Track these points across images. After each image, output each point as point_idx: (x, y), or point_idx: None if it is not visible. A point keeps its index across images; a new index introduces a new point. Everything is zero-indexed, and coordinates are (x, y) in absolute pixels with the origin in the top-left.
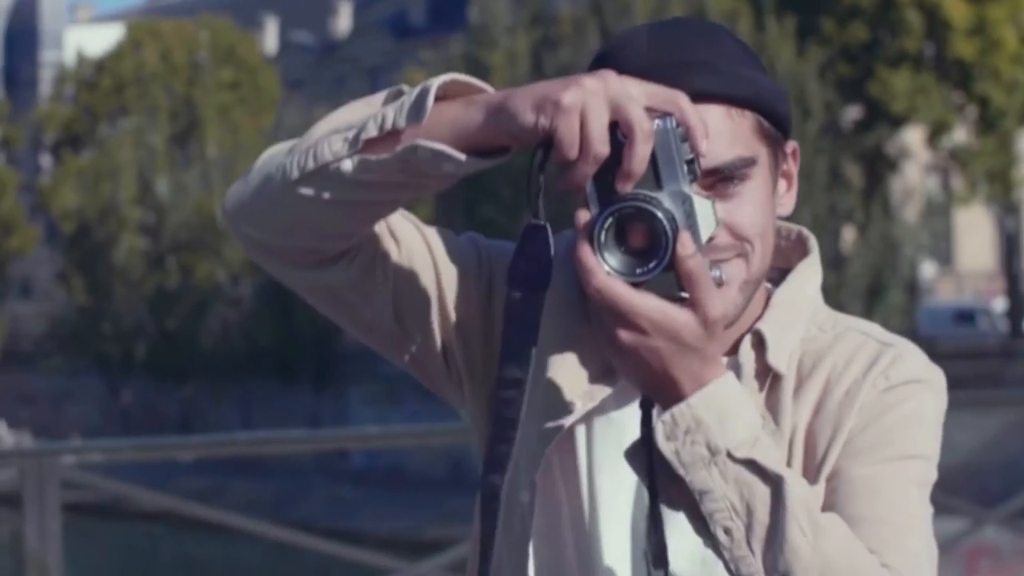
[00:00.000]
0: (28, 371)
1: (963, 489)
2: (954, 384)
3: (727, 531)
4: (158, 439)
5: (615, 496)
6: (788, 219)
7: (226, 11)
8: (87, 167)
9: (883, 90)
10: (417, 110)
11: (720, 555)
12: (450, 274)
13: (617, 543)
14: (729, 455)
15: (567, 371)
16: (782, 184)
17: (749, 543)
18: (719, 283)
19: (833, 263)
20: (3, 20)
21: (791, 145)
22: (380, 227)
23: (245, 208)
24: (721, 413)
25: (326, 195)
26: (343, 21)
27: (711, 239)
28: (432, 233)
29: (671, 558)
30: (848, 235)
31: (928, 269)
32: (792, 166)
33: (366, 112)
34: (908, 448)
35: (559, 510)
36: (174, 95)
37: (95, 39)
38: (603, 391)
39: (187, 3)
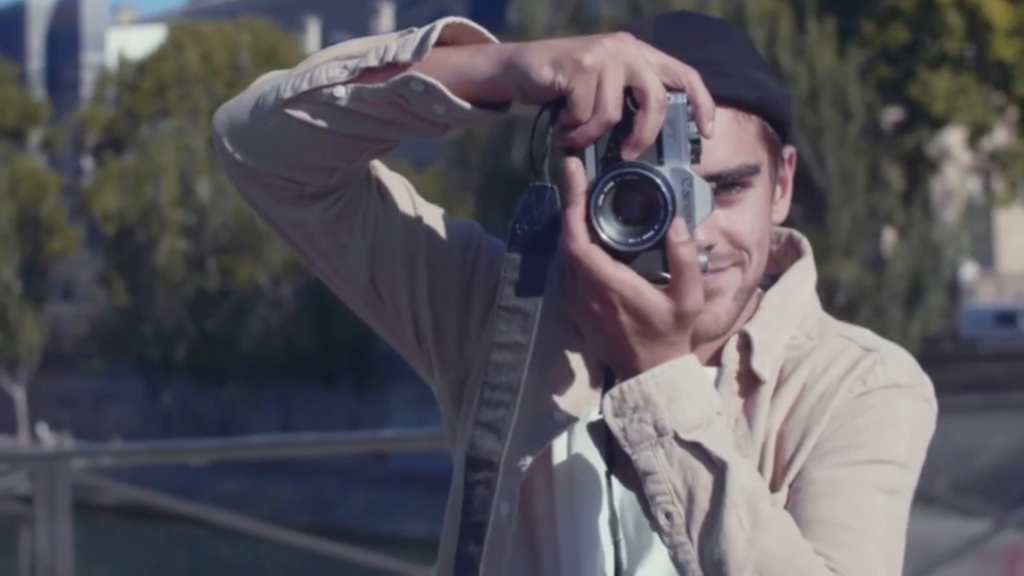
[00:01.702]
0: (69, 373)
1: (1002, 490)
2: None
3: (668, 515)
4: (170, 442)
5: (594, 506)
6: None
7: (268, 13)
8: (128, 169)
9: (923, 91)
10: (421, 46)
11: (661, 539)
12: (435, 250)
13: (597, 554)
14: (676, 437)
15: (554, 382)
16: (778, 190)
17: (688, 530)
18: (703, 269)
19: (873, 265)
20: (45, 22)
21: (789, 150)
22: (369, 181)
23: (234, 125)
24: (672, 393)
25: (314, 120)
26: (385, 22)
27: (710, 247)
28: (426, 206)
29: (644, 573)
30: (888, 237)
31: (969, 271)
32: (788, 171)
33: (372, 45)
34: (879, 453)
35: (537, 522)
36: (215, 97)
37: (137, 41)
38: (590, 403)
39: (229, 5)
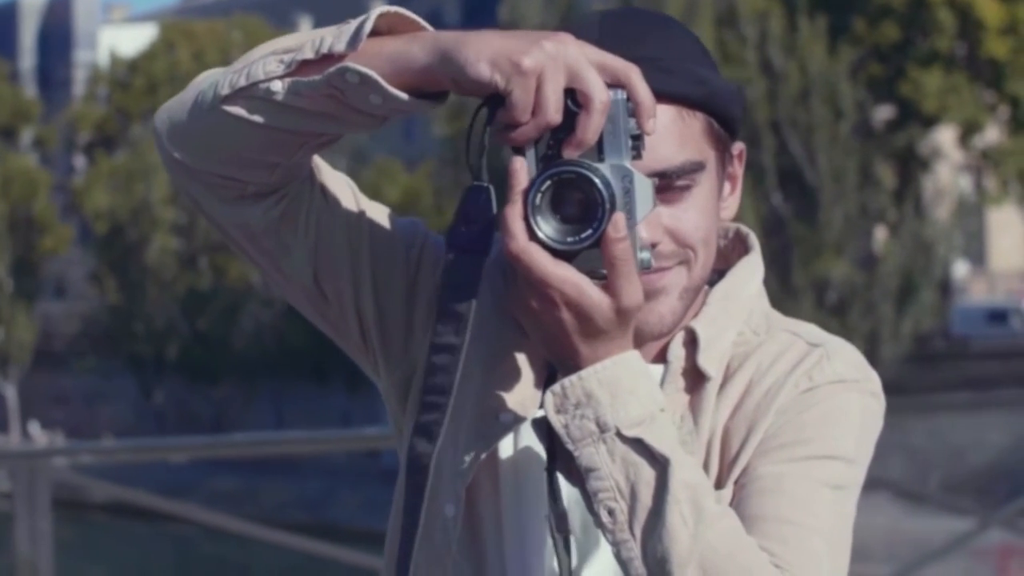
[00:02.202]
0: (61, 372)
1: (995, 488)
2: (986, 384)
3: (610, 512)
4: (150, 440)
5: (541, 505)
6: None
7: (259, 11)
8: (120, 167)
9: (915, 90)
10: (355, 36)
11: (605, 536)
12: (379, 248)
13: (544, 554)
14: (618, 433)
15: (501, 383)
16: (726, 187)
17: (631, 526)
18: (647, 266)
19: (865, 263)
20: (37, 20)
21: (738, 146)
22: (312, 180)
23: (174, 124)
24: (614, 389)
25: (251, 116)
26: None
27: (655, 245)
28: (370, 204)
29: (591, 572)
30: (880, 235)
31: (960, 269)
32: (737, 168)
33: (309, 38)
34: (825, 448)
35: (483, 523)
36: None
37: (128, 39)
38: (536, 403)
39: (220, 3)
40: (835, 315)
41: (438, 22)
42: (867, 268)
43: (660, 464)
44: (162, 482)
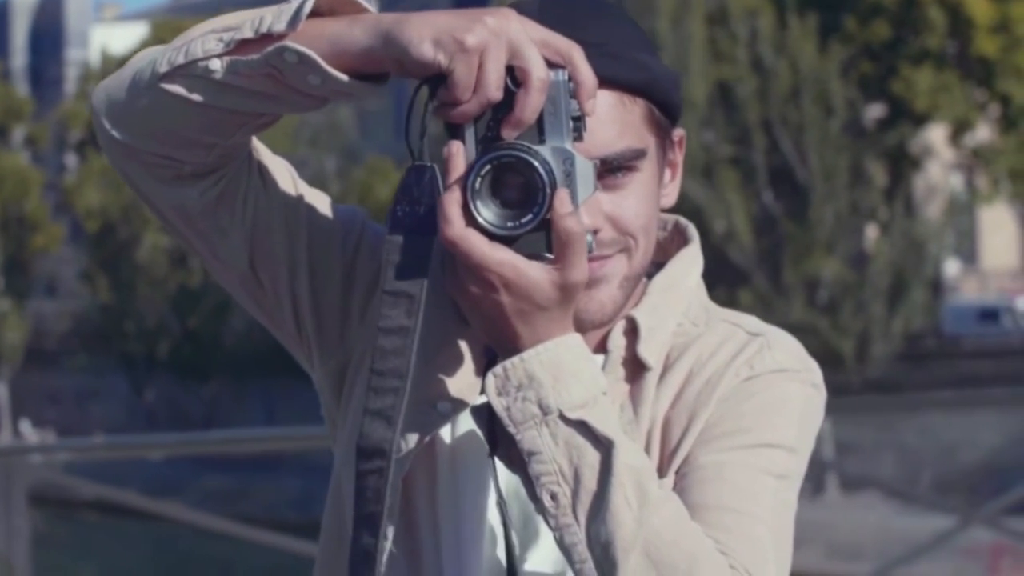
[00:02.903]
0: (53, 370)
1: (986, 487)
2: (978, 382)
3: (553, 496)
4: (128, 437)
5: (480, 495)
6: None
7: (250, 9)
8: (111, 166)
9: (906, 88)
10: (295, 16)
11: (547, 522)
12: (317, 234)
13: (482, 544)
14: (561, 416)
15: (438, 370)
16: (667, 174)
17: (575, 511)
18: (589, 250)
19: (856, 261)
20: (28, 18)
21: (678, 133)
22: (250, 163)
23: (111, 102)
24: (557, 371)
25: (189, 94)
26: None
27: (596, 232)
28: (308, 190)
29: (532, 561)
30: (871, 234)
31: (952, 267)
32: (678, 155)
33: (249, 17)
34: (765, 437)
35: (419, 513)
36: None
37: (120, 38)
38: (475, 391)
39: (211, 2)
40: (826, 314)
41: None
42: (858, 266)
43: (604, 447)
44: (152, 480)
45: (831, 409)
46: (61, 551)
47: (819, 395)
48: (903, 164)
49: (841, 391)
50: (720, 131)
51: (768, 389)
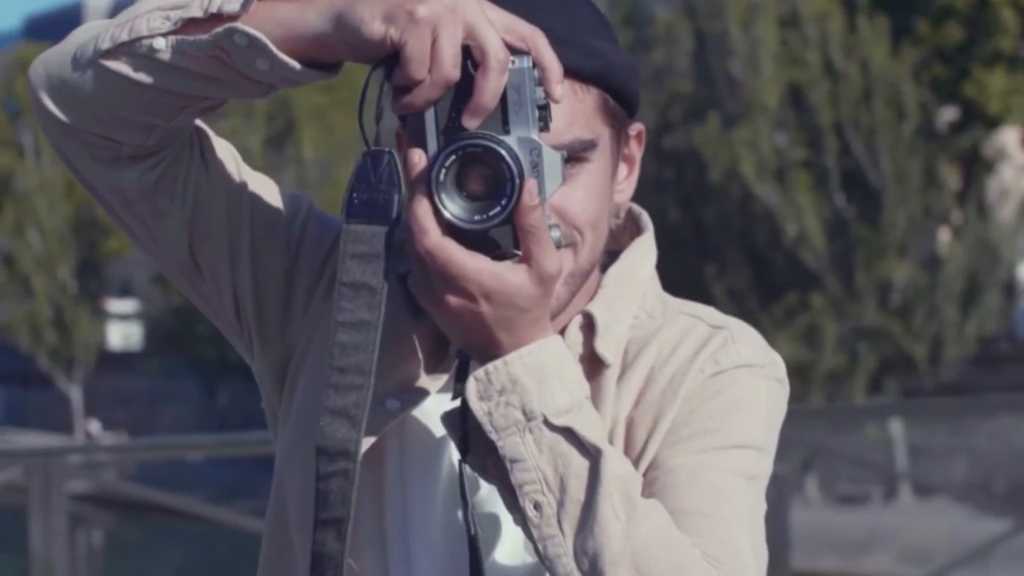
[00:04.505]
0: (124, 372)
1: None
2: None
3: (536, 506)
4: (166, 438)
5: (429, 501)
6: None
7: None
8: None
9: (978, 90)
10: None
11: (528, 533)
12: (259, 221)
13: (430, 551)
14: (546, 421)
15: (385, 368)
16: (623, 169)
17: (559, 521)
18: (557, 245)
19: (929, 265)
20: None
21: (636, 127)
22: (192, 145)
23: (51, 77)
24: (541, 375)
25: (132, 74)
26: None
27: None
28: (253, 175)
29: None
30: (944, 237)
31: None
32: (635, 149)
33: None
34: (735, 437)
35: (363, 521)
36: (270, 97)
37: None
38: (425, 391)
39: None
40: (899, 317)
41: None
42: (931, 270)
43: (591, 455)
44: (221, 483)
45: (903, 411)
46: (129, 553)
47: (783, 390)
48: (976, 167)
49: (914, 395)
50: (792, 134)
51: (735, 386)
